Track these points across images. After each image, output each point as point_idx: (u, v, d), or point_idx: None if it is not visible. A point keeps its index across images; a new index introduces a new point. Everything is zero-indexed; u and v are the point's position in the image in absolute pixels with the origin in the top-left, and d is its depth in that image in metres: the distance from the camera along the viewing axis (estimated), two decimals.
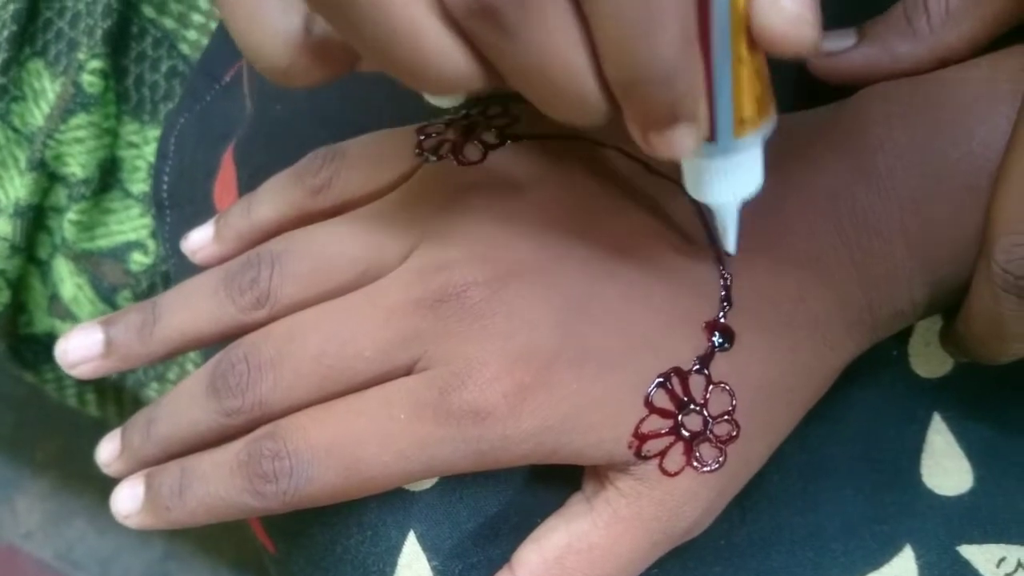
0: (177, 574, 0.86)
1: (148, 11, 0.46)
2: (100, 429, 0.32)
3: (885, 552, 0.30)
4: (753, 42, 0.22)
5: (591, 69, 0.21)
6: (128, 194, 0.47)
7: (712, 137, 0.24)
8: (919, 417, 0.31)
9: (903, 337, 0.31)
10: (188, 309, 0.29)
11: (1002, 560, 0.30)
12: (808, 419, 0.29)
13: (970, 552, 0.30)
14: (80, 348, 0.30)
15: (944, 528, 0.30)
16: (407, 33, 0.21)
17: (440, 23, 0.21)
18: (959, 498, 0.30)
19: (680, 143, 0.23)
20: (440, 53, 0.21)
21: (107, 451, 0.30)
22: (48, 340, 0.52)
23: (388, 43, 0.21)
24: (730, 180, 0.25)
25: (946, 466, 0.31)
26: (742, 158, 0.24)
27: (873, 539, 0.30)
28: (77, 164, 0.46)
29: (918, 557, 0.30)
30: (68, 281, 0.49)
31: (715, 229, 0.27)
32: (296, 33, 0.23)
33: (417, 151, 0.29)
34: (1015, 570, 0.30)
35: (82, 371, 0.30)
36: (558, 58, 0.21)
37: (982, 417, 0.31)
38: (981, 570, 0.30)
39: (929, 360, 0.31)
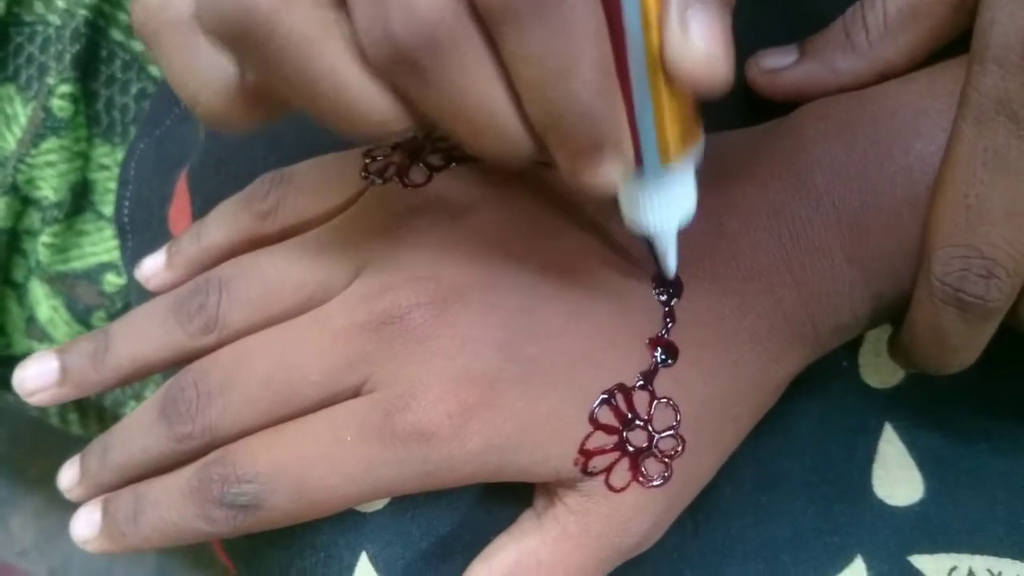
0: None
1: (116, 34, 0.46)
2: None
3: (836, 563, 0.30)
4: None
5: (512, 109, 0.22)
6: (101, 216, 0.48)
7: (640, 167, 0.24)
8: (870, 427, 0.31)
9: (853, 347, 0.32)
10: (138, 336, 0.30)
11: (953, 569, 0.30)
12: (759, 431, 0.29)
13: (921, 562, 0.30)
14: (36, 377, 0.30)
15: (895, 538, 0.30)
16: (329, 82, 0.21)
17: (361, 70, 0.22)
18: (910, 508, 0.30)
19: (605, 175, 0.23)
20: (363, 99, 0.22)
21: (68, 477, 0.30)
22: None
23: (311, 92, 0.22)
24: (664, 207, 0.25)
25: (897, 476, 0.31)
26: (673, 184, 0.25)
27: (824, 550, 0.30)
28: (49, 188, 0.46)
29: (869, 568, 0.30)
30: (43, 303, 0.49)
31: (655, 254, 0.27)
32: (230, 80, 0.23)
33: (363, 174, 0.30)
34: None
35: (39, 399, 0.30)
36: (478, 100, 0.22)
37: (933, 427, 0.31)
38: None
39: (880, 370, 0.32)
